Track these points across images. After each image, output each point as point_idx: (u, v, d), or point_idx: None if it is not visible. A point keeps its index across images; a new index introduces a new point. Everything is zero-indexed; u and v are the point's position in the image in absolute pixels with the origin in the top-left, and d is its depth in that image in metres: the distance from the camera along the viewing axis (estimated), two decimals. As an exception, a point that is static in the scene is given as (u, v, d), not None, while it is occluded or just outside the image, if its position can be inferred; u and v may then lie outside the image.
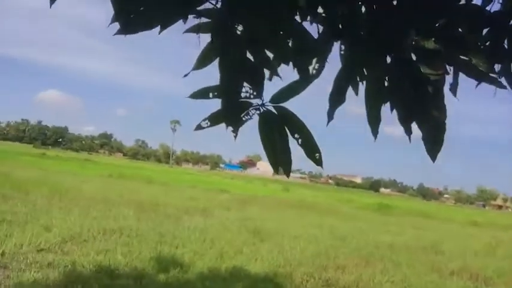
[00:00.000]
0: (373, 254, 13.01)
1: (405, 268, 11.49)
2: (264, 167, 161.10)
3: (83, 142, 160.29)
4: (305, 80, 1.69)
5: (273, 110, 1.73)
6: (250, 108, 1.70)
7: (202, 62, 1.65)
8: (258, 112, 1.71)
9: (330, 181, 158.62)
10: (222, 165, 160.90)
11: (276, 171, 1.70)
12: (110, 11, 1.48)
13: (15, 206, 12.89)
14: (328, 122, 1.75)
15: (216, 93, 1.67)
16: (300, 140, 1.73)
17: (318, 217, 22.73)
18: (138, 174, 41.58)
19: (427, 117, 1.59)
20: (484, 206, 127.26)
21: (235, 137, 1.63)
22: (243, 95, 1.65)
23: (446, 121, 1.63)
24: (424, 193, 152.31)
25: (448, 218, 37.56)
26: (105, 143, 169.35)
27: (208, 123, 1.71)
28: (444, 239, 19.48)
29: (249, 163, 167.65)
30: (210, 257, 9.76)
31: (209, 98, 1.67)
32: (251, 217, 18.35)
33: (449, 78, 1.72)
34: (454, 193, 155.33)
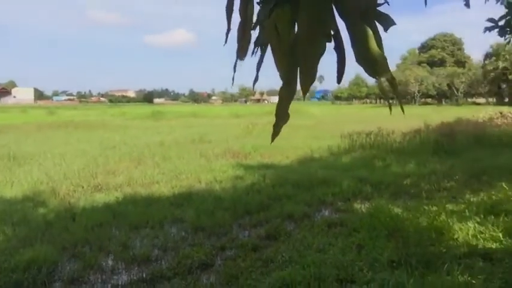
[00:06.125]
0: (144, 154, 13.18)
1: (175, 159, 12.06)
2: (22, 93, 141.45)
3: None
4: None
5: None
6: None
7: None
8: None
9: (102, 99, 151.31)
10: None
11: None
12: None
13: None
14: None
15: None
16: None
17: (87, 133, 21.57)
18: None
19: None
20: (245, 102, 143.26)
21: None
22: None
23: None
24: (195, 98, 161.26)
25: (215, 115, 41.03)
26: None
27: None
28: (211, 131, 21.22)
29: (1, 92, 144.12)
30: None
31: None
32: (5, 144, 16.01)
33: None
34: (220, 94, 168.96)
